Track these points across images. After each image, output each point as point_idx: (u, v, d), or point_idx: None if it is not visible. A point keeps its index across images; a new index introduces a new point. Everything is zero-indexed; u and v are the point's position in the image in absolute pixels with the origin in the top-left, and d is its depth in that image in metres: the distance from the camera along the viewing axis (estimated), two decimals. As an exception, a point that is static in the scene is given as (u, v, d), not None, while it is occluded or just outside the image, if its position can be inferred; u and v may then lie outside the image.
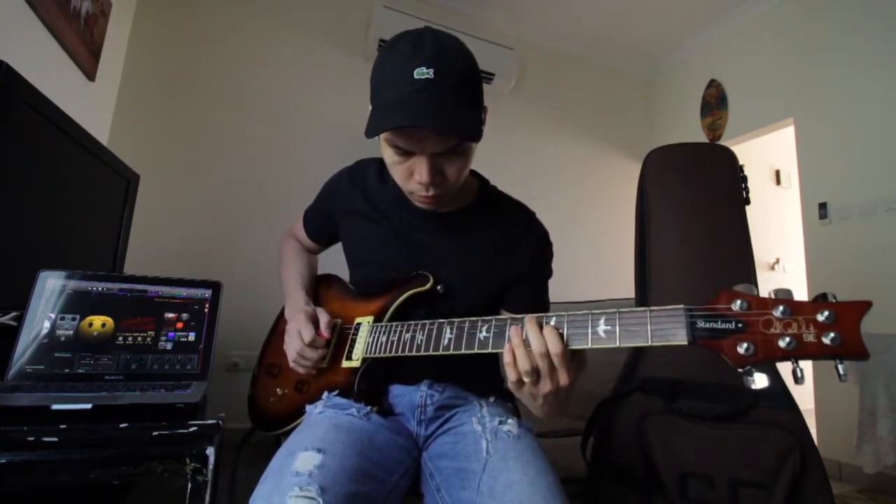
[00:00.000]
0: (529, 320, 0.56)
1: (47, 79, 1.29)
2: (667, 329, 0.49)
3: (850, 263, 2.13)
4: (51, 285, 0.83)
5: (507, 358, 0.56)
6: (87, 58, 1.66)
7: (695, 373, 1.11)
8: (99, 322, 0.84)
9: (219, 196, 2.16)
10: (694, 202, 1.24)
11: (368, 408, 0.71)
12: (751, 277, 1.15)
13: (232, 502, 0.86)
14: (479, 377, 0.82)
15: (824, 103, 2.33)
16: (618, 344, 0.51)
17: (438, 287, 0.76)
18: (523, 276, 0.80)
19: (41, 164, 0.95)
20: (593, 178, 3.19)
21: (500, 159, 2.78)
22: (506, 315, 0.64)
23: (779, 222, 3.37)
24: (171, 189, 2.06)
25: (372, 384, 0.74)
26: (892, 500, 1.82)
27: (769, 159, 3.51)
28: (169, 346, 0.87)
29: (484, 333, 0.61)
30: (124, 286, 0.88)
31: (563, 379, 0.54)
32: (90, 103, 1.77)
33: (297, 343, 0.74)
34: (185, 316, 0.90)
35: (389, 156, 0.69)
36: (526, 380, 0.55)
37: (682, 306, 0.49)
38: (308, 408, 0.74)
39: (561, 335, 0.54)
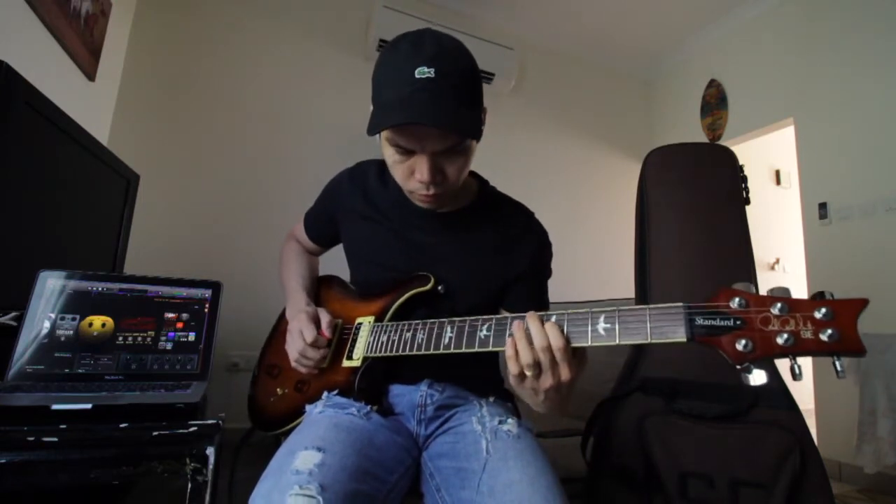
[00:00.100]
0: (531, 315, 0.56)
1: (47, 79, 1.29)
2: (666, 326, 0.49)
3: (850, 263, 2.13)
4: (51, 285, 0.83)
5: (509, 351, 0.57)
6: (87, 58, 1.66)
7: (695, 373, 1.11)
8: (99, 322, 0.84)
9: (219, 196, 2.17)
10: (694, 202, 1.24)
11: (368, 407, 0.71)
12: (751, 277, 1.15)
13: (231, 502, 0.86)
14: (479, 377, 0.82)
15: (824, 103, 2.33)
16: (617, 342, 0.51)
17: (439, 287, 0.76)
18: (523, 276, 0.80)
19: (41, 164, 0.95)
20: (593, 178, 3.19)
21: (500, 159, 2.78)
22: (506, 314, 0.64)
23: (779, 222, 3.37)
24: (171, 189, 2.06)
25: (372, 383, 0.74)
26: (892, 500, 1.82)
27: (769, 159, 3.51)
28: (169, 346, 0.87)
29: (484, 332, 0.61)
30: (124, 286, 0.88)
31: (565, 374, 0.55)
32: (90, 103, 1.77)
33: (299, 343, 0.75)
34: (185, 316, 0.90)
35: (390, 155, 0.69)
36: (528, 373, 0.55)
37: (680, 304, 0.49)
38: (308, 407, 0.74)
39: (562, 330, 0.55)
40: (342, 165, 0.93)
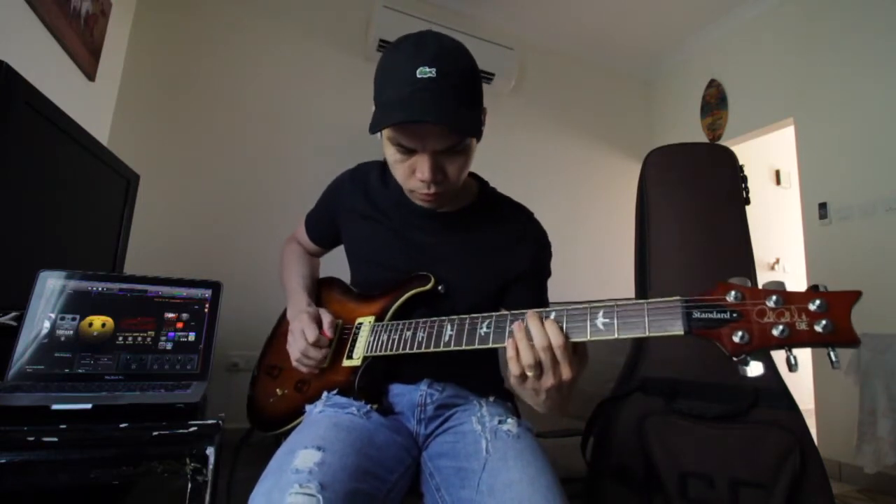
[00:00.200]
0: (531, 314, 0.56)
1: (47, 79, 1.29)
2: (663, 320, 0.50)
3: (850, 263, 2.13)
4: (51, 285, 0.83)
5: (510, 352, 0.57)
6: (87, 58, 1.66)
7: (695, 373, 1.12)
8: (99, 322, 0.84)
9: (219, 196, 2.17)
10: (694, 202, 1.24)
11: (368, 406, 0.71)
12: (751, 277, 1.15)
13: (230, 503, 0.86)
14: (479, 376, 0.82)
15: (824, 103, 2.33)
16: (616, 335, 0.52)
17: (440, 287, 0.76)
18: (523, 276, 0.80)
19: (41, 164, 0.95)
20: (593, 178, 3.19)
21: (500, 159, 2.78)
22: (506, 312, 0.64)
23: (779, 222, 3.37)
24: (171, 189, 2.06)
25: (372, 382, 0.74)
26: (892, 500, 1.82)
27: (769, 159, 3.51)
28: (169, 346, 0.87)
29: (484, 329, 0.62)
30: (124, 286, 0.88)
31: (566, 373, 0.55)
32: (90, 103, 1.77)
33: (301, 343, 0.75)
34: (185, 316, 0.90)
35: (392, 154, 0.70)
36: (529, 374, 0.56)
37: (678, 298, 0.50)
38: (308, 407, 0.74)
39: (562, 328, 0.55)
40: (342, 165, 0.93)
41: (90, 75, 1.71)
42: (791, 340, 0.44)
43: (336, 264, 1.07)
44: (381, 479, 0.60)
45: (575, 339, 0.54)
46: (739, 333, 0.46)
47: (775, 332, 0.45)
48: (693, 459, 1.03)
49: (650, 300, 0.52)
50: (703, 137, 3.01)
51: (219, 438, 0.70)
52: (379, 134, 0.71)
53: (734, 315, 0.47)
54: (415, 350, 0.68)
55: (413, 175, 0.69)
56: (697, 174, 1.27)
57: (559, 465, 0.67)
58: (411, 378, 0.77)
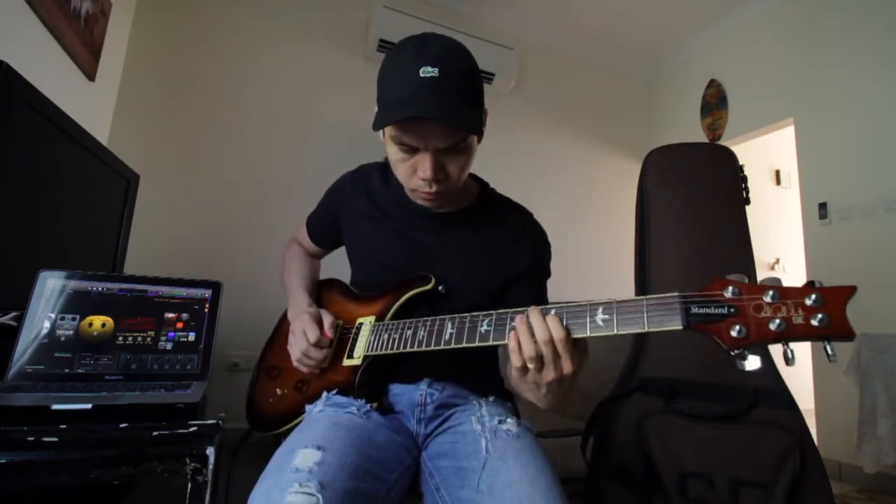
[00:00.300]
0: (533, 310, 0.57)
1: (47, 79, 1.29)
2: (662, 315, 0.50)
3: (850, 263, 2.13)
4: (51, 285, 0.83)
5: (512, 344, 0.57)
6: (87, 58, 1.66)
7: (695, 373, 1.12)
8: (99, 322, 0.84)
9: (219, 196, 2.17)
10: (694, 202, 1.24)
11: (368, 406, 0.71)
12: (750, 277, 1.15)
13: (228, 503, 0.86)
14: (479, 376, 0.82)
15: (824, 103, 2.33)
16: (615, 331, 0.52)
17: (440, 287, 0.77)
18: (522, 276, 0.81)
19: (41, 164, 0.95)
20: (593, 178, 3.19)
21: (500, 159, 2.78)
22: (506, 310, 0.65)
23: (779, 222, 3.37)
24: (171, 189, 2.06)
25: (372, 381, 0.75)
26: (892, 500, 1.82)
27: (769, 159, 3.51)
28: (169, 346, 0.87)
29: (485, 327, 0.62)
30: (124, 286, 0.88)
31: (567, 367, 0.55)
32: (90, 103, 1.77)
33: (303, 343, 0.75)
34: (185, 316, 0.90)
35: (394, 153, 0.71)
36: (530, 366, 0.56)
37: (676, 294, 0.51)
38: (308, 407, 0.74)
39: (563, 322, 0.55)
40: (342, 165, 0.93)
41: (90, 75, 1.71)
42: (788, 334, 0.45)
43: (336, 265, 1.08)
44: (380, 479, 0.60)
45: (575, 335, 0.55)
46: (737, 328, 0.47)
47: (772, 327, 0.45)
48: (693, 459, 1.03)
49: (648, 296, 0.52)
50: (703, 137, 3.01)
51: (219, 438, 0.70)
52: (381, 133, 0.72)
53: (731, 310, 0.48)
54: (415, 349, 0.68)
55: (415, 174, 0.70)
56: (697, 174, 1.27)
57: (559, 465, 0.67)
58: (411, 378, 0.77)
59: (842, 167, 2.23)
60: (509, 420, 0.72)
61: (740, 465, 1.00)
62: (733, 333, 0.47)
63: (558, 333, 0.54)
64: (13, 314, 0.82)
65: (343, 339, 0.79)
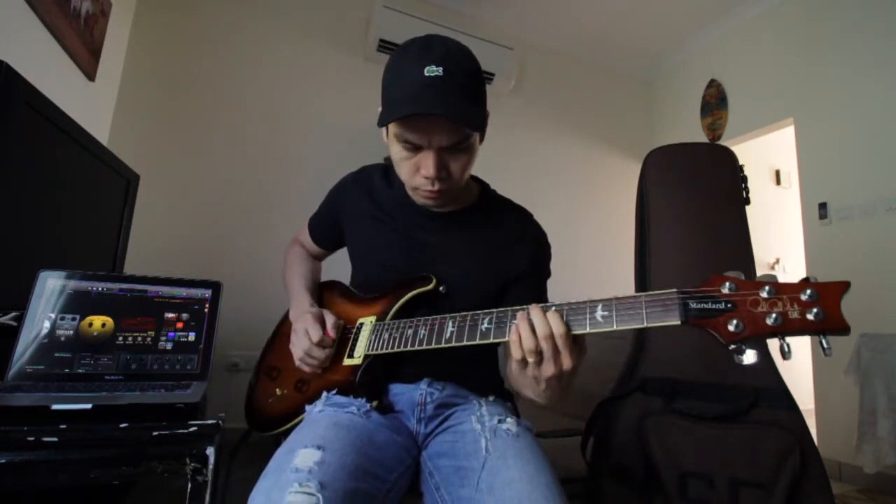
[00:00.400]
0: (534, 306, 0.58)
1: (47, 79, 1.29)
2: (661, 311, 0.51)
3: (850, 263, 2.13)
4: (51, 285, 0.83)
5: (512, 336, 0.58)
6: (87, 58, 1.66)
7: (695, 373, 1.12)
8: (99, 322, 0.84)
9: (219, 196, 2.17)
10: (694, 202, 1.24)
11: (368, 406, 0.71)
12: (750, 276, 1.15)
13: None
14: (479, 376, 0.83)
15: (824, 103, 2.33)
16: (615, 327, 0.53)
17: (441, 288, 0.77)
18: (523, 276, 0.81)
19: (41, 164, 0.95)
20: (593, 178, 3.19)
21: (500, 159, 2.78)
22: (507, 308, 0.65)
23: (779, 222, 3.37)
24: (171, 189, 2.06)
25: (373, 380, 0.75)
26: (892, 500, 1.82)
27: (769, 159, 3.51)
28: (169, 346, 0.87)
29: (486, 325, 0.62)
30: (124, 286, 0.88)
31: (567, 362, 0.56)
32: (90, 103, 1.77)
33: (305, 342, 0.76)
34: (185, 316, 0.90)
35: (397, 151, 0.71)
36: (530, 359, 0.56)
37: (674, 290, 0.52)
38: (307, 407, 0.74)
39: (563, 318, 0.56)
40: (342, 165, 0.94)
41: (90, 75, 1.71)
42: (784, 329, 0.46)
43: (337, 267, 1.08)
44: (380, 479, 0.60)
45: (575, 331, 0.55)
46: (734, 322, 0.48)
47: (769, 321, 0.46)
48: (693, 459, 1.03)
49: (647, 293, 0.53)
50: (703, 137, 3.01)
51: (219, 438, 0.70)
52: (385, 133, 0.73)
53: (729, 305, 0.49)
54: (416, 347, 0.68)
55: (418, 172, 0.71)
56: (697, 174, 1.27)
57: (559, 465, 0.67)
58: (411, 377, 0.77)
59: (842, 167, 2.22)
60: (509, 419, 0.72)
61: (740, 465, 1.00)
62: (730, 328, 0.48)
63: (559, 329, 0.55)
64: (13, 314, 0.82)
65: (343, 339, 0.79)
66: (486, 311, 0.64)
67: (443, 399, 0.75)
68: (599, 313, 0.55)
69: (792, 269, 3.36)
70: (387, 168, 0.89)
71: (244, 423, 0.85)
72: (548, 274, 0.87)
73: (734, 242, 1.20)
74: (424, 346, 0.67)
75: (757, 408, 1.05)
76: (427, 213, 0.82)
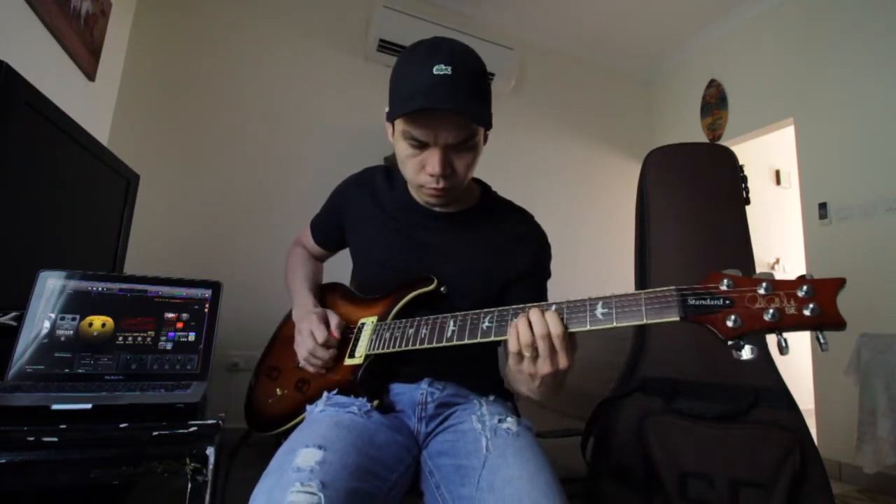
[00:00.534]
0: (532, 307, 0.59)
1: (47, 79, 1.29)
2: (660, 308, 0.52)
3: (850, 263, 2.13)
4: (51, 285, 0.83)
5: (511, 330, 0.59)
6: (87, 58, 1.66)
7: (695, 373, 1.11)
8: (99, 322, 0.84)
9: (219, 196, 2.17)
10: (694, 202, 1.24)
11: (369, 405, 0.71)
12: (749, 276, 1.15)
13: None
14: (480, 376, 0.83)
15: (824, 103, 2.33)
16: (615, 324, 0.54)
17: (442, 288, 0.77)
18: (523, 276, 0.81)
19: (41, 164, 0.95)
20: (593, 178, 3.19)
21: (500, 159, 2.78)
22: (508, 307, 0.65)
23: (779, 222, 3.37)
24: (171, 189, 2.06)
25: (374, 379, 0.75)
26: (892, 500, 1.82)
27: (769, 159, 3.51)
28: (169, 346, 0.87)
29: (486, 323, 0.63)
30: (124, 286, 0.88)
31: (563, 362, 0.57)
32: (90, 103, 1.77)
33: (310, 343, 0.76)
34: (185, 316, 0.90)
35: (403, 149, 0.72)
36: (526, 354, 0.57)
37: (673, 287, 0.52)
38: (308, 407, 0.74)
39: (562, 319, 0.57)
40: (342, 165, 0.94)
41: (90, 75, 1.71)
42: (781, 324, 0.47)
43: (337, 267, 1.08)
44: (381, 479, 0.61)
45: (575, 328, 0.56)
46: (732, 318, 0.48)
47: (766, 317, 0.47)
48: (693, 459, 1.03)
49: (647, 290, 0.54)
50: (703, 137, 3.01)
51: (219, 438, 0.70)
52: (391, 130, 0.75)
53: (727, 302, 0.50)
54: (417, 346, 0.68)
55: (423, 170, 0.72)
56: (697, 174, 1.27)
57: (559, 465, 0.67)
58: (412, 377, 0.77)
59: (842, 167, 2.23)
60: (509, 419, 0.72)
61: (740, 465, 1.00)
62: (729, 323, 0.49)
63: (556, 329, 0.56)
64: (13, 314, 0.82)
65: (345, 339, 0.80)
66: (487, 310, 0.64)
67: (443, 398, 0.76)
68: (599, 311, 0.55)
69: (792, 269, 3.36)
70: (389, 170, 0.90)
71: (244, 423, 0.85)
72: (548, 274, 0.87)
73: (734, 242, 1.20)
74: (425, 346, 0.67)
75: (757, 408, 1.05)
76: (429, 213, 0.82)
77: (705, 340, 1.10)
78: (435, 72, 0.65)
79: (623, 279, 2.77)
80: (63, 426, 0.64)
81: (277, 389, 0.83)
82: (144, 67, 2.08)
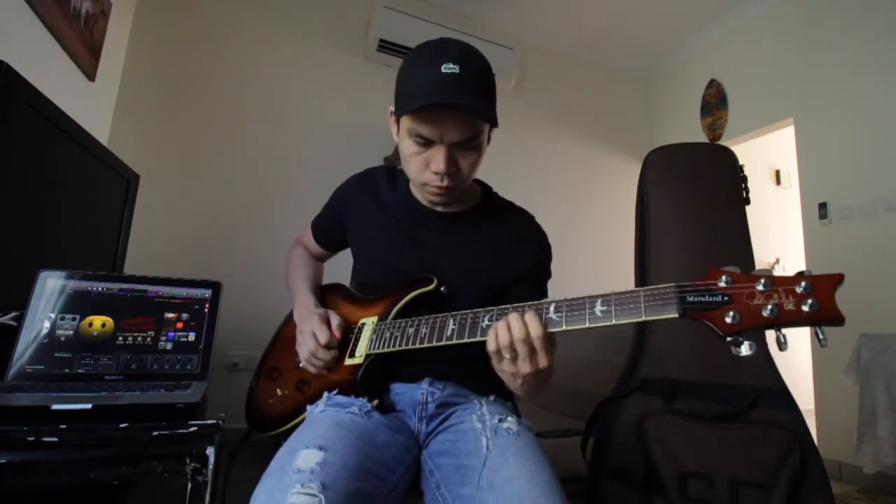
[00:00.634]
0: (513, 310, 0.59)
1: (47, 79, 1.29)
2: (659, 305, 0.52)
3: (850, 263, 2.13)
4: (51, 285, 0.83)
5: (490, 332, 0.59)
6: (87, 58, 1.66)
7: (695, 373, 1.11)
8: (99, 322, 0.84)
9: (219, 196, 2.17)
10: (694, 202, 1.24)
11: (369, 405, 0.71)
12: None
13: None
14: (480, 376, 0.82)
15: (824, 103, 2.33)
16: (613, 321, 0.54)
17: (442, 288, 0.77)
18: (523, 276, 0.82)
19: (41, 164, 0.95)
20: (593, 178, 3.19)
21: (500, 159, 2.77)
22: (507, 305, 0.65)
23: (779, 222, 3.37)
24: (171, 189, 2.06)
25: (374, 379, 0.75)
26: (892, 500, 1.82)
27: (769, 159, 3.51)
28: (169, 346, 0.87)
29: (486, 322, 0.63)
30: (124, 286, 0.88)
31: (543, 362, 0.57)
32: (90, 103, 1.77)
33: (312, 344, 0.76)
34: (185, 316, 0.90)
35: (408, 146, 0.73)
36: (505, 355, 0.58)
37: (672, 284, 0.52)
38: (308, 407, 0.74)
39: (542, 320, 0.57)
40: (342, 165, 0.94)
41: (90, 75, 1.71)
42: (780, 320, 0.47)
43: (337, 267, 1.08)
44: (382, 479, 0.61)
45: (574, 326, 0.56)
46: (731, 314, 0.48)
47: (765, 313, 0.47)
48: (693, 459, 1.03)
49: (645, 288, 0.54)
50: (703, 137, 3.01)
51: (219, 438, 0.70)
52: (395, 128, 0.75)
53: (725, 298, 0.50)
54: (417, 346, 0.68)
55: (427, 167, 0.73)
56: (697, 174, 1.27)
57: (559, 465, 0.67)
58: (412, 377, 0.77)
59: (842, 167, 2.22)
60: (510, 419, 0.72)
61: (740, 465, 1.00)
62: (727, 320, 0.48)
63: (536, 331, 0.56)
64: (13, 314, 0.82)
65: (345, 339, 0.80)
66: (487, 308, 0.64)
67: (444, 398, 0.76)
68: (599, 308, 0.55)
69: (792, 269, 3.35)
70: (391, 170, 0.91)
71: (244, 423, 0.85)
72: (548, 275, 0.87)
73: (734, 242, 1.20)
74: (425, 345, 0.67)
75: (757, 408, 1.05)
76: (431, 213, 0.83)
77: (705, 340, 1.10)
78: (443, 70, 0.66)
79: (623, 279, 2.77)
80: (63, 426, 0.64)
81: (278, 390, 0.83)
82: (144, 67, 2.08)
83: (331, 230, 0.96)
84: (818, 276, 0.47)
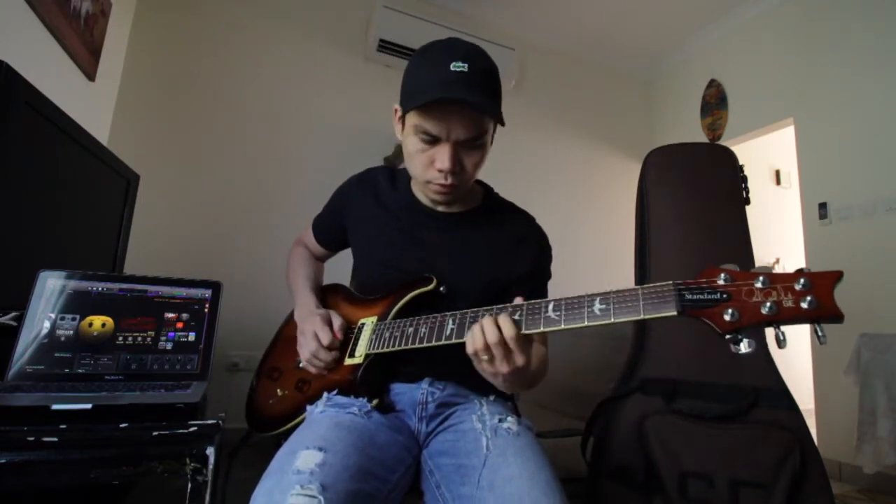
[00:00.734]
0: (486, 314, 0.61)
1: (47, 79, 1.29)
2: (657, 303, 0.52)
3: (850, 263, 2.13)
4: (51, 285, 0.83)
5: (468, 335, 0.60)
6: (87, 58, 1.66)
7: (695, 373, 1.12)
8: (99, 322, 0.84)
9: (219, 196, 2.16)
10: (694, 202, 1.24)
11: (369, 406, 0.71)
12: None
13: None
14: (479, 376, 0.82)
15: (824, 103, 2.33)
16: (612, 319, 0.54)
17: (441, 288, 0.77)
18: (524, 277, 0.82)
19: (41, 164, 0.95)
20: (593, 178, 3.19)
21: (500, 159, 2.76)
22: (507, 304, 0.65)
23: (779, 222, 3.37)
24: (171, 189, 2.06)
25: (374, 379, 0.75)
26: (892, 500, 1.82)
27: (769, 159, 3.51)
28: (169, 346, 0.87)
29: None
30: (124, 286, 0.88)
31: (520, 360, 0.59)
32: (90, 103, 1.77)
33: (314, 344, 0.76)
34: (185, 316, 0.90)
35: (413, 143, 0.73)
36: (483, 357, 0.59)
37: (670, 282, 0.52)
38: (308, 408, 0.74)
39: (515, 321, 0.58)
40: (342, 165, 0.94)
41: (90, 75, 1.71)
42: (779, 317, 0.47)
43: (338, 267, 1.08)
44: (382, 479, 0.61)
45: (573, 325, 0.56)
46: (730, 311, 0.48)
47: (763, 310, 0.47)
48: (693, 459, 1.03)
49: (644, 286, 0.54)
50: (703, 137, 3.01)
51: (219, 438, 0.70)
52: (400, 126, 0.76)
53: (724, 296, 0.49)
54: (417, 345, 0.68)
55: (432, 165, 0.73)
56: (697, 174, 1.27)
57: (559, 465, 0.67)
58: (412, 377, 0.77)
59: (842, 167, 2.22)
60: (510, 418, 0.72)
61: (740, 465, 1.00)
62: (726, 317, 0.48)
63: (509, 332, 0.57)
64: (13, 314, 0.82)
65: (345, 339, 0.80)
66: (486, 308, 0.64)
67: (444, 398, 0.76)
68: (597, 306, 0.55)
69: (792, 269, 3.36)
70: (391, 170, 0.91)
71: (244, 423, 0.85)
72: (548, 276, 0.87)
73: (734, 242, 1.20)
74: (425, 344, 0.67)
75: (757, 408, 1.05)
76: (432, 213, 0.83)
77: (705, 340, 1.10)
78: (452, 68, 0.67)
79: (623, 279, 2.77)
80: (63, 426, 0.63)
81: (278, 390, 0.83)
82: (144, 67, 2.08)
83: (331, 230, 0.96)
84: (817, 273, 0.47)
